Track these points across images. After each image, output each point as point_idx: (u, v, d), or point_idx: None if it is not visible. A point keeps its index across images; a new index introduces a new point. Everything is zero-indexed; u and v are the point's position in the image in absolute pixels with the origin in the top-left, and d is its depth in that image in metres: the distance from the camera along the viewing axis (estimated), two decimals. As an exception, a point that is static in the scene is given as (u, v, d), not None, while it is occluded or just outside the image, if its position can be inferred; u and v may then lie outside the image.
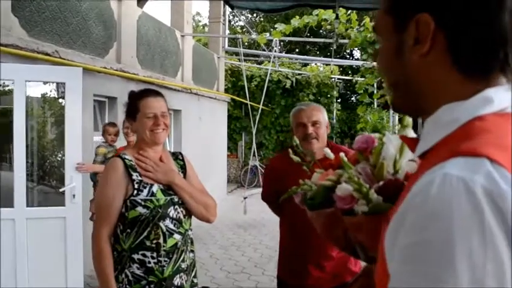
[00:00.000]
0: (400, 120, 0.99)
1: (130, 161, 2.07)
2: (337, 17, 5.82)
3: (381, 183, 0.89)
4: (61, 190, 4.04)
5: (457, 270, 0.51)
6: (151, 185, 2.04)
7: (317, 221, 1.16)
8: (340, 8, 6.23)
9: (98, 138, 5.26)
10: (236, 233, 7.77)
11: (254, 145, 8.48)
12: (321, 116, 2.44)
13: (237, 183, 13.47)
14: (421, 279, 0.54)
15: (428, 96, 0.70)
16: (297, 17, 6.94)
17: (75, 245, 4.00)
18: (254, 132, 8.26)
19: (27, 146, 3.91)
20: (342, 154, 1.37)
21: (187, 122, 8.44)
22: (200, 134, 9.04)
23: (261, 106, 8.41)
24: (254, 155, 8.72)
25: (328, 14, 6.93)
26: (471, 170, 0.54)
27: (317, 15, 6.83)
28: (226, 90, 11.97)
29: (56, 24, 4.67)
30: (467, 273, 0.51)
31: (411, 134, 0.96)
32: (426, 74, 0.69)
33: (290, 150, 1.65)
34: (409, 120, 0.94)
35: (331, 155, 1.30)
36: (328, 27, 7.31)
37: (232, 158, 13.82)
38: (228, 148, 12.70)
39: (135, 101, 2.13)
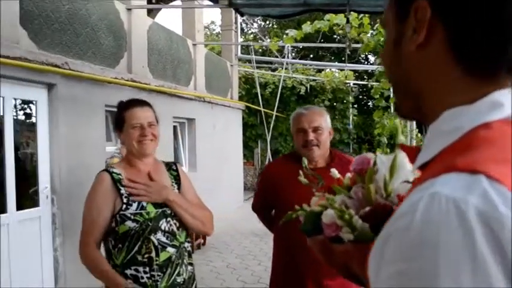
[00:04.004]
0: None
1: (119, 174, 2.00)
2: (347, 21, 5.73)
3: (367, 208, 0.81)
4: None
5: None
6: None
7: (314, 248, 1.09)
8: (352, 12, 6.14)
9: (112, 148, 5.24)
10: (252, 241, 7.67)
11: (269, 152, 8.42)
12: (323, 121, 2.28)
13: (253, 191, 13.36)
14: None
15: (429, 97, 0.62)
16: (308, 22, 6.88)
17: (48, 242, 4.32)
18: (268, 139, 8.21)
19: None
20: (334, 172, 1.26)
21: (201, 131, 8.43)
22: (214, 142, 9.01)
23: (274, 113, 8.36)
24: (270, 161, 8.65)
25: (340, 19, 6.85)
26: (465, 189, 0.46)
27: (328, 20, 6.75)
28: (241, 98, 11.94)
29: (66, 35, 4.69)
30: None
31: None
32: (425, 70, 0.61)
33: (301, 180, 1.54)
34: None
35: (337, 175, 1.21)
36: (341, 32, 7.23)
37: (248, 166, 13.76)
38: (244, 156, 12.65)
39: (121, 112, 2.06)
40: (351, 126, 13.36)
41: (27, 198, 4.34)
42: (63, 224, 4.44)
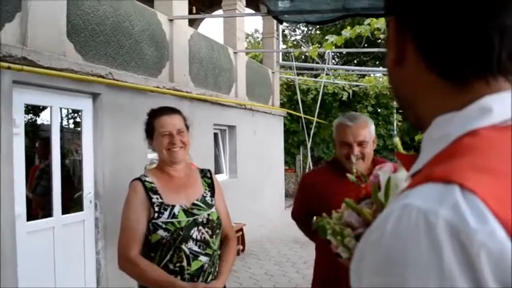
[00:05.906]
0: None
1: (151, 183, 2.03)
2: (388, 25, 5.62)
3: (361, 230, 0.81)
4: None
5: None
6: (173, 207, 1.99)
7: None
8: (393, 16, 6.01)
9: (154, 155, 5.39)
10: (292, 248, 7.63)
11: (309, 159, 8.38)
12: (368, 133, 2.22)
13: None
14: None
15: (421, 111, 0.60)
16: (348, 27, 6.81)
17: (91, 245, 4.53)
18: (309, 146, 8.16)
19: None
20: None
21: (241, 137, 8.50)
22: (255, 148, 9.06)
23: (315, 119, 8.31)
24: (310, 169, 8.60)
25: (381, 23, 6.73)
26: (436, 201, 0.44)
27: (369, 24, 6.66)
28: (283, 105, 11.95)
29: (110, 47, 4.89)
30: None
31: None
32: (408, 85, 0.60)
33: (349, 176, 1.52)
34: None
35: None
36: (382, 36, 7.12)
37: (290, 173, 13.72)
38: (286, 162, 12.62)
39: (151, 120, 2.11)
40: (395, 132, 13.05)
41: (72, 203, 4.55)
42: (106, 228, 4.60)
